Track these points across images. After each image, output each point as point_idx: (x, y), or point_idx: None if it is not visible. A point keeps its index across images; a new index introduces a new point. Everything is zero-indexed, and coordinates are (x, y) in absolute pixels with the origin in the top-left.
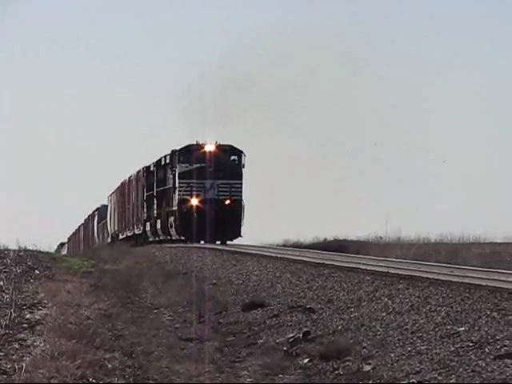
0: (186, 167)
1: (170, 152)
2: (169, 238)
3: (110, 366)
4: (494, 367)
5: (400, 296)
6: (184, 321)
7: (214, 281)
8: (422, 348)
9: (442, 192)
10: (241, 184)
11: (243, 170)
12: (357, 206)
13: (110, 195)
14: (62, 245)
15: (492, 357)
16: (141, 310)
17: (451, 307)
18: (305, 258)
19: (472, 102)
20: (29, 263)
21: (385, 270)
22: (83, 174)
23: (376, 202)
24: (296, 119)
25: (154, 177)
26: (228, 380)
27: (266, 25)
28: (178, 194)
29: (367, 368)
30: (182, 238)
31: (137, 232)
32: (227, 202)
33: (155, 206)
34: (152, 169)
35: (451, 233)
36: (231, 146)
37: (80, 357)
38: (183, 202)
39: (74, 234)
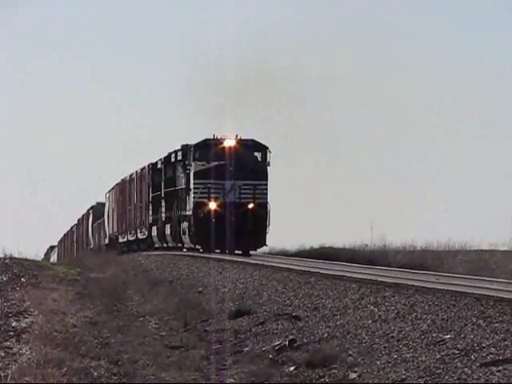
0: (203, 165)
1: (180, 147)
2: (180, 245)
3: (95, 373)
4: (480, 375)
5: (386, 304)
6: (170, 329)
7: (200, 288)
8: (408, 356)
9: (427, 199)
10: (266, 185)
11: (268, 168)
12: (342, 213)
13: (108, 192)
14: (51, 248)
15: (478, 364)
16: (127, 317)
17: (437, 315)
18: (291, 266)
19: (462, 109)
20: (15, 271)
21: (372, 277)
22: (75, 170)
23: (361, 209)
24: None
25: (161, 175)
26: None
27: (289, 15)
28: (194, 197)
29: (353, 376)
30: (198, 247)
31: (140, 236)
32: (250, 205)
33: (163, 209)
34: (159, 166)
35: (437, 240)
36: (254, 141)
37: (66, 365)
38: (200, 205)
39: (65, 235)
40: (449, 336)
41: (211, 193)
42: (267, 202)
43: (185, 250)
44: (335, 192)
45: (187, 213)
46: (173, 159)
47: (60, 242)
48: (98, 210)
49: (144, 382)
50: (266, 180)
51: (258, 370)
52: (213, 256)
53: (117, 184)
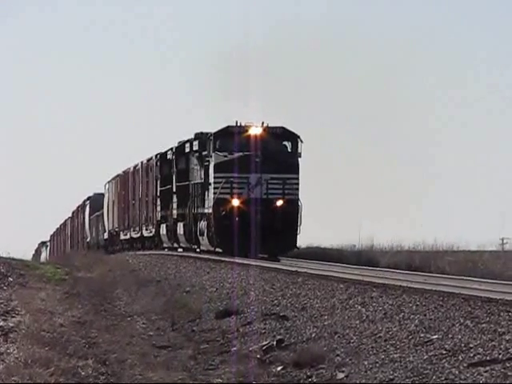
0: (225, 156)
1: (194, 136)
2: (195, 247)
3: (83, 373)
4: (468, 375)
5: (373, 304)
6: (157, 328)
7: (188, 288)
8: (396, 356)
9: (415, 200)
10: (297, 179)
11: (300, 160)
12: (330, 213)
13: (108, 183)
14: (42, 244)
15: (465, 365)
16: (114, 317)
17: (425, 315)
18: (278, 266)
19: (451, 110)
20: (2, 270)
21: (358, 277)
22: (69, 161)
23: (349, 209)
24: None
25: (172, 167)
26: None
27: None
28: (214, 193)
29: (341, 376)
30: (218, 249)
31: (146, 234)
32: (279, 202)
33: (175, 205)
34: (170, 157)
35: (424, 241)
36: (284, 129)
37: (53, 364)
38: (221, 202)
39: (58, 230)
40: (436, 336)
41: (234, 188)
42: (298, 199)
43: (180, 250)
44: (323, 192)
45: (206, 211)
46: (187, 149)
47: (52, 236)
48: (96, 201)
49: (131, 381)
50: (298, 173)
51: (245, 370)
52: (200, 256)
53: (118, 175)
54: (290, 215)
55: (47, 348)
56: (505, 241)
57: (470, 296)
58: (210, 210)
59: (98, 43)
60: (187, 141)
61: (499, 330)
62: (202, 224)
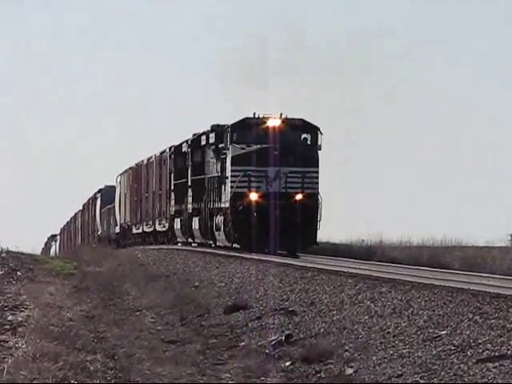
0: (243, 149)
1: (210, 128)
2: (210, 242)
3: (91, 367)
4: (476, 371)
5: (382, 299)
6: (166, 323)
7: (197, 283)
8: (404, 351)
9: (424, 195)
10: (317, 172)
11: (320, 153)
12: (339, 209)
13: (120, 176)
14: (52, 237)
15: (474, 360)
16: (123, 311)
17: (433, 311)
18: (287, 261)
19: (457, 109)
20: (11, 265)
21: (367, 272)
22: (80, 153)
23: (358, 204)
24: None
25: (187, 160)
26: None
27: None
28: (231, 186)
29: (349, 371)
30: (236, 245)
31: (159, 229)
32: (298, 196)
33: (190, 199)
34: (185, 149)
35: (433, 236)
36: (303, 121)
37: (62, 358)
38: (239, 196)
39: (68, 223)
40: (445, 332)
41: (252, 182)
42: (318, 193)
43: (194, 244)
44: (332, 187)
45: (222, 205)
46: (203, 142)
47: (62, 230)
48: (107, 193)
49: (140, 376)
50: (317, 167)
51: (253, 365)
52: (208, 251)
53: (130, 168)
54: (310, 210)
55: (56, 342)
56: None
57: (478, 292)
58: (227, 205)
59: (109, 33)
60: (203, 133)
61: (508, 325)
62: (219, 219)
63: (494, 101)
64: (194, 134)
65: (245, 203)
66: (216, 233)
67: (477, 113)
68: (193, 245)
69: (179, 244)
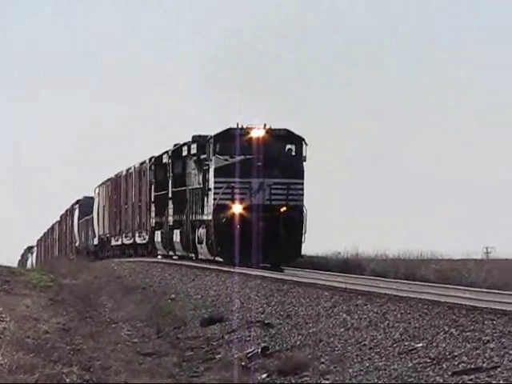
0: (226, 160)
1: (191, 139)
2: (192, 255)
3: (68, 380)
4: (452, 383)
5: (358, 312)
6: (142, 335)
7: (173, 295)
8: (380, 364)
9: (400, 209)
10: (302, 184)
11: (304, 164)
12: (316, 221)
13: (99, 187)
14: (29, 249)
15: (450, 373)
16: (99, 324)
17: (409, 323)
18: (264, 274)
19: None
20: None
21: (343, 285)
22: (57, 163)
23: (335, 217)
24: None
25: (168, 171)
26: None
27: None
28: (214, 198)
29: (325, 383)
30: (218, 258)
31: (139, 241)
32: (283, 209)
33: (171, 211)
34: (165, 160)
35: (409, 249)
36: (288, 131)
37: (38, 371)
38: (221, 209)
39: (45, 234)
40: (421, 344)
41: (235, 193)
42: (303, 205)
43: (175, 257)
44: (309, 199)
45: (205, 217)
46: (184, 152)
47: (39, 241)
48: (85, 204)
49: None
50: (302, 178)
51: (230, 378)
52: (185, 263)
53: (109, 179)
54: (294, 222)
55: (32, 354)
56: (489, 250)
57: (454, 304)
58: (210, 217)
59: (97, 43)
60: (184, 144)
61: (484, 338)
62: (201, 231)
63: (468, 115)
64: (175, 145)
65: (228, 215)
66: (198, 246)
67: (453, 127)
68: (174, 258)
69: (159, 257)
